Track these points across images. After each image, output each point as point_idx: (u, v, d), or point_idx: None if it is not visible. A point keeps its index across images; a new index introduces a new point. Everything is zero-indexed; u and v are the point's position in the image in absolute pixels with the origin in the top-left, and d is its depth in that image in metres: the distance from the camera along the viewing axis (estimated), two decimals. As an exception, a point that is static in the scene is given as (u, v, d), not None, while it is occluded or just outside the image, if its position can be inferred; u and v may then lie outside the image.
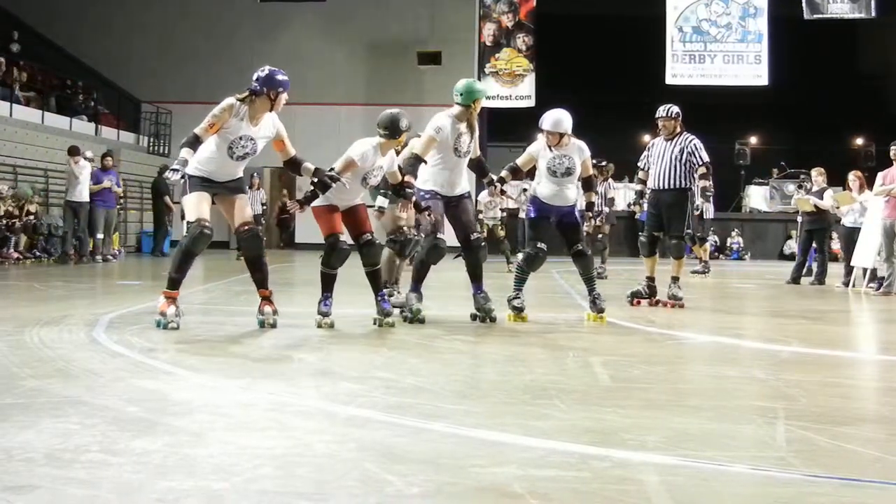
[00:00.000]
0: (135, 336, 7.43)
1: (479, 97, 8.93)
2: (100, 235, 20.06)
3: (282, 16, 30.26)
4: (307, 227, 24.65)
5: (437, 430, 4.33)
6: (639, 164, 11.55)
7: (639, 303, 11.27)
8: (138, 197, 27.02)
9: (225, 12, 30.63)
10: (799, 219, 18.08)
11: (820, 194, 17.03)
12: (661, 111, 11.22)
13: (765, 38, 28.94)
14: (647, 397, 5.40)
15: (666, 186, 11.08)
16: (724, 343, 8.22)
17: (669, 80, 28.55)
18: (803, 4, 28.43)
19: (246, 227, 8.10)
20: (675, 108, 11.19)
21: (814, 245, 17.28)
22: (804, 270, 17.31)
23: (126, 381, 5.51)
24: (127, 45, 30.25)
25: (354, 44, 30.36)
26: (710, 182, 11.19)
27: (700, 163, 10.95)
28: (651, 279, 11.36)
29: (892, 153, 14.13)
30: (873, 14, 28.53)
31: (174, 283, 7.99)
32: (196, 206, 7.90)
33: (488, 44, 29.31)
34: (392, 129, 8.37)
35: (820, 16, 28.55)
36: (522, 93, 28.78)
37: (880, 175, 14.73)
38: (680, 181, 11.00)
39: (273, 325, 8.07)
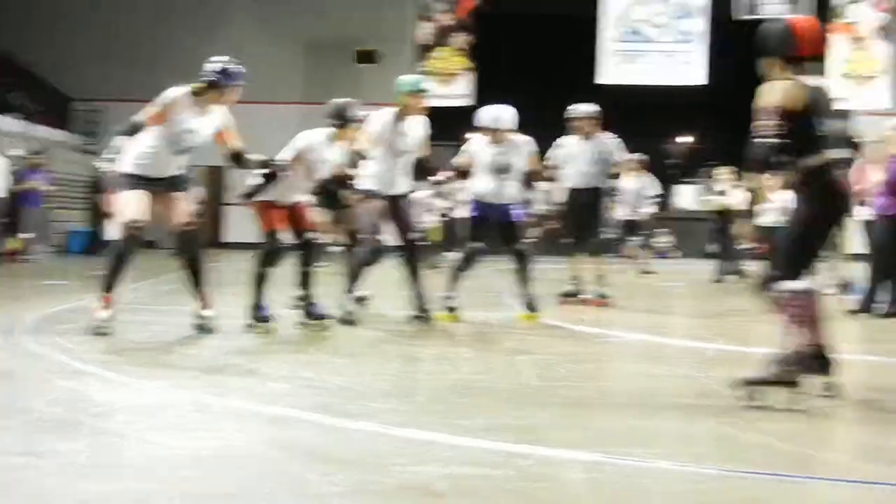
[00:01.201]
0: (59, 336, 7.30)
1: (415, 92, 8.86)
2: (27, 235, 19.78)
3: (218, 12, 30.01)
4: (237, 226, 24.49)
5: (362, 430, 4.33)
6: (545, 161, 11.21)
7: (568, 302, 11.29)
8: (69, 196, 26.67)
9: (159, 8, 30.33)
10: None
11: (724, 194, 17.27)
12: (577, 110, 11.12)
13: (701, 37, 29.19)
14: (573, 395, 5.43)
15: (584, 186, 11.01)
16: (651, 341, 8.28)
17: (606, 80, 28.71)
18: (738, 5, 28.71)
19: (185, 227, 7.73)
20: (593, 108, 11.12)
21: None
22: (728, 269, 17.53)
23: (50, 381, 5.45)
24: (58, 42, 29.80)
25: (292, 42, 30.17)
26: (619, 184, 11.21)
27: (615, 163, 11.00)
28: (576, 278, 11.34)
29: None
30: (807, 14, 28.90)
31: (108, 287, 7.54)
32: (130, 206, 7.47)
33: (426, 42, 29.30)
34: (343, 119, 8.20)
35: (755, 16, 28.82)
36: (460, 91, 28.76)
37: None
38: (597, 181, 11.01)
39: (212, 331, 7.70)
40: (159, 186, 7.63)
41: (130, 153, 7.48)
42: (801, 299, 5.33)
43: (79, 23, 30.11)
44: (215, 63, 7.60)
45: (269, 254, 8.10)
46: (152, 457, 3.81)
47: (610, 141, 11.05)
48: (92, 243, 23.60)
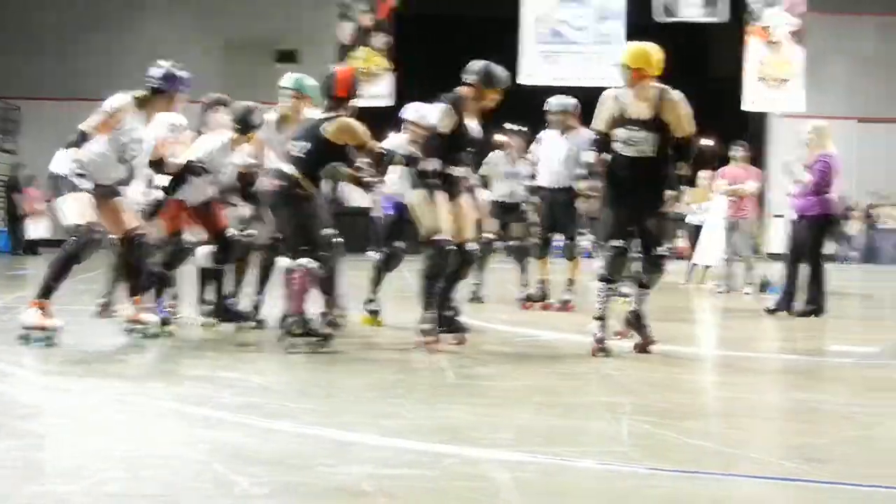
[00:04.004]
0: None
1: (299, 92, 8.40)
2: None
3: (135, 10, 29.71)
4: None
5: (286, 430, 4.33)
6: (530, 157, 10.89)
7: (531, 306, 10.91)
8: (-16, 195, 26.24)
9: (75, 6, 29.90)
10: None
11: None
12: (553, 104, 10.65)
13: (620, 40, 29.46)
14: (496, 395, 5.48)
15: (561, 185, 10.39)
16: (573, 340, 8.28)
17: (526, 81, 28.80)
18: (658, 7, 29.03)
19: (138, 233, 7.39)
20: (573, 101, 10.64)
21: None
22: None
23: (-31, 383, 5.39)
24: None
25: (210, 40, 29.93)
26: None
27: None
28: (543, 282, 10.96)
29: (730, 153, 14.50)
30: (726, 18, 29.31)
31: (49, 293, 6.99)
32: (81, 208, 7.03)
33: (347, 43, 29.26)
34: (243, 124, 8.00)
35: (674, 19, 29.18)
36: (380, 92, 28.76)
37: (722, 173, 15.07)
38: (572, 180, 9.87)
39: (157, 336, 7.40)
40: (101, 191, 7.28)
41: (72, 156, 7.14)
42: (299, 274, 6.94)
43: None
44: (159, 68, 7.29)
45: (174, 255, 7.95)
46: (76, 459, 3.78)
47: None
48: (15, 244, 23.34)
